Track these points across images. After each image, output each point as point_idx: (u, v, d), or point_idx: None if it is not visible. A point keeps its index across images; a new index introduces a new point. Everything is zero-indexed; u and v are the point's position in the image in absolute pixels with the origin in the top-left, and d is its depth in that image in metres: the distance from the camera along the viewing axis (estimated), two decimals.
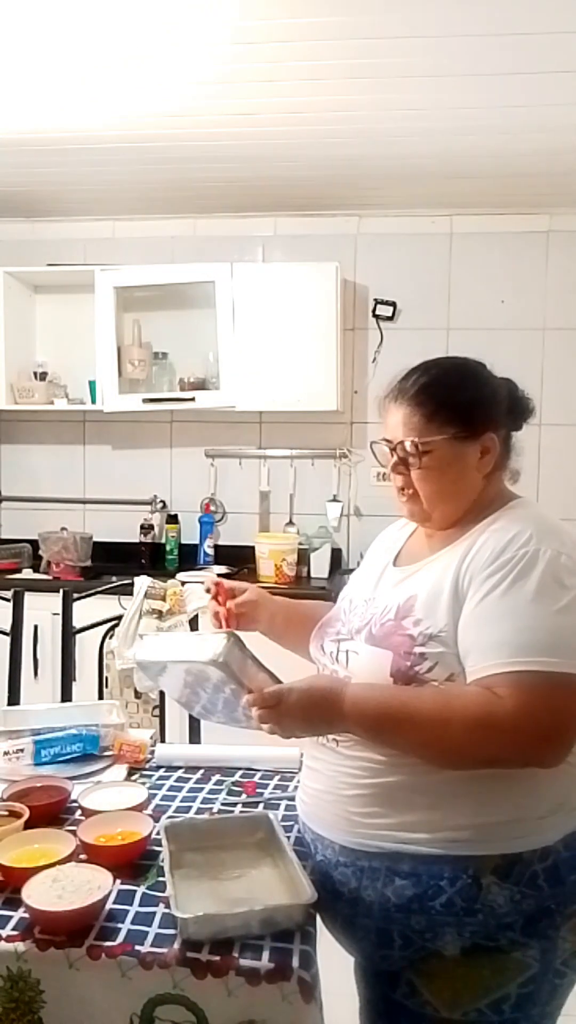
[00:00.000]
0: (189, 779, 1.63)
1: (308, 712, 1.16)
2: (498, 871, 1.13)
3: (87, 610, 2.39)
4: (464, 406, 1.25)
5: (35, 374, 3.76)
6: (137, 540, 3.82)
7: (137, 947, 1.08)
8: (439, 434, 1.24)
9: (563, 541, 1.17)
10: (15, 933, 1.10)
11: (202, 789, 1.58)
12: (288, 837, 1.30)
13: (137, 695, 2.40)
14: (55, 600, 2.43)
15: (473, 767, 1.13)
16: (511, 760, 1.12)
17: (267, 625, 1.47)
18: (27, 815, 1.32)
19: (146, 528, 3.83)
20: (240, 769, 1.66)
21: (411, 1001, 1.18)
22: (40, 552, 3.66)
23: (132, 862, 1.27)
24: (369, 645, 1.23)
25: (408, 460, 1.26)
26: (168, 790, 1.57)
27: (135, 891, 1.21)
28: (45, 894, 1.12)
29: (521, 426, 1.34)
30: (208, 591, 1.45)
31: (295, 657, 1.49)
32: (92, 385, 3.68)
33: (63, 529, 3.71)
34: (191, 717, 2.27)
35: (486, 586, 1.14)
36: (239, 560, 3.68)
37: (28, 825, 1.30)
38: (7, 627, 2.38)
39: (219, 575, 3.45)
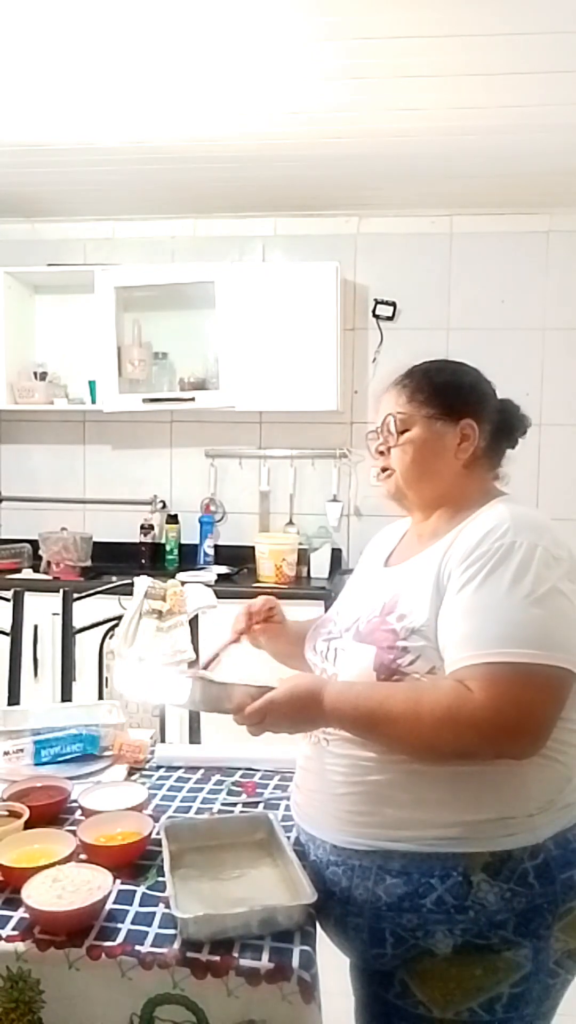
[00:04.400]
0: (189, 779, 1.63)
1: (293, 716, 1.19)
2: (488, 869, 1.13)
3: (87, 610, 2.39)
4: (442, 388, 1.32)
5: (35, 374, 3.76)
6: (137, 540, 3.83)
7: (137, 947, 1.08)
8: (417, 412, 1.30)
9: (541, 534, 1.17)
10: (15, 933, 1.10)
11: (202, 789, 1.58)
12: (288, 837, 1.30)
13: None
14: (55, 600, 2.44)
15: (448, 761, 1.13)
16: (481, 753, 1.12)
17: (272, 647, 1.54)
18: (27, 815, 1.32)
19: (146, 528, 3.83)
20: (240, 769, 1.66)
21: (404, 1001, 1.18)
22: (40, 552, 3.66)
23: (132, 862, 1.27)
24: (356, 642, 1.24)
25: (389, 439, 1.31)
26: (168, 790, 1.57)
27: (135, 891, 1.21)
28: (45, 894, 1.12)
29: (516, 443, 1.38)
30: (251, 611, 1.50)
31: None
32: (92, 385, 3.68)
33: (63, 529, 3.72)
34: (191, 717, 2.27)
35: (463, 579, 1.15)
36: (239, 560, 3.68)
37: (28, 825, 1.31)
38: (7, 627, 2.38)
39: (218, 575, 3.51)
